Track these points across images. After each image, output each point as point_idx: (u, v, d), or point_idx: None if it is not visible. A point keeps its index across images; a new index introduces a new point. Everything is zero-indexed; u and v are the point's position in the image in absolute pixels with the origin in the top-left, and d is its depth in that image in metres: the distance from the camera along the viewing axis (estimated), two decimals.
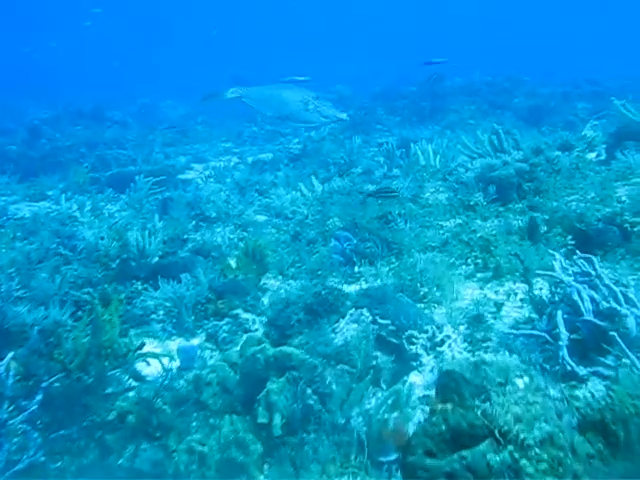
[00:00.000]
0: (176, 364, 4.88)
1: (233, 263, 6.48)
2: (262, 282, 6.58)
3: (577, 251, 4.79)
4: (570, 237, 5.95)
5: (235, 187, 11.49)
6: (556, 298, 4.56)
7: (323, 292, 4.67)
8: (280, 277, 6.87)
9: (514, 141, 8.90)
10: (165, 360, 4.74)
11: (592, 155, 9.88)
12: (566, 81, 22.53)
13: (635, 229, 5.68)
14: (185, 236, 8.16)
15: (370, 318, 4.39)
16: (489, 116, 17.74)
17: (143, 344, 4.66)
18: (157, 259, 6.83)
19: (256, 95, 7.04)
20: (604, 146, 10.30)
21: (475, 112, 18.62)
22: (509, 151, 9.08)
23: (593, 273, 4.41)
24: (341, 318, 4.55)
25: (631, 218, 5.75)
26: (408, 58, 31.99)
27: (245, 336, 4.93)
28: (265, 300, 6.14)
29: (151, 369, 4.87)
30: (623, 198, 6.98)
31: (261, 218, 9.70)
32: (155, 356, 4.69)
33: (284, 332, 4.52)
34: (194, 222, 9.61)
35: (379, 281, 6.09)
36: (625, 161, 8.13)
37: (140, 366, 4.84)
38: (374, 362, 3.94)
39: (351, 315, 4.48)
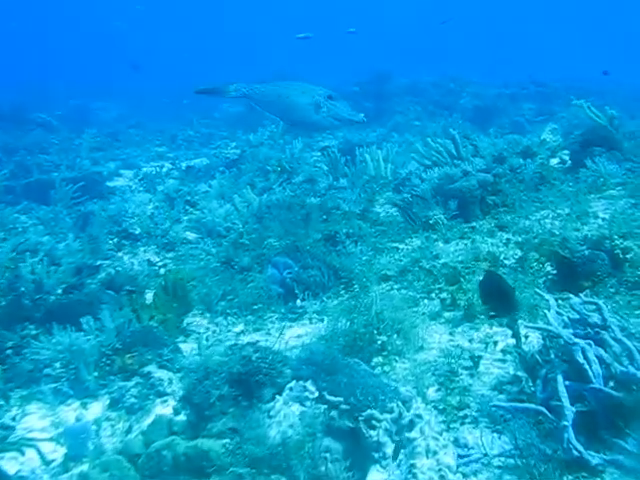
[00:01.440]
0: (62, 451, 3.72)
1: (149, 300, 5.36)
2: (185, 323, 5.48)
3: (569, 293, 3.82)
4: (551, 265, 5.03)
5: (165, 199, 10.29)
6: (551, 355, 3.59)
7: (254, 357, 3.58)
8: (208, 314, 5.76)
9: (473, 147, 7.98)
10: (48, 446, 3.58)
11: (554, 161, 9.07)
12: (512, 82, 21.95)
13: (628, 256, 4.78)
14: (99, 262, 6.99)
15: (316, 394, 3.34)
16: (435, 117, 16.95)
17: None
18: (58, 295, 5.64)
19: (262, 95, 6.38)
20: (566, 152, 9.52)
21: (421, 113, 17.81)
22: (468, 158, 8.17)
23: (600, 323, 3.47)
24: (278, 395, 3.49)
25: (621, 242, 4.84)
26: (349, 58, 31.22)
27: (153, 416, 3.79)
28: (187, 348, 5.04)
29: (26, 461, 3.68)
30: (600, 214, 6.12)
31: (191, 235, 8.56)
32: (29, 445, 3.52)
33: (202, 412, 3.42)
34: (116, 240, 8.42)
35: (325, 322, 5.06)
36: (596, 170, 7.29)
37: (9, 458, 3.66)
38: (323, 468, 2.85)
39: (291, 390, 3.42)
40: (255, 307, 5.74)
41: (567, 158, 8.95)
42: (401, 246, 6.38)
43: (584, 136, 8.27)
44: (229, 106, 20.42)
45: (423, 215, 6.83)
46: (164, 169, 13.37)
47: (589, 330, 3.47)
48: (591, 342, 3.37)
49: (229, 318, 5.66)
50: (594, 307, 3.59)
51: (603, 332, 3.42)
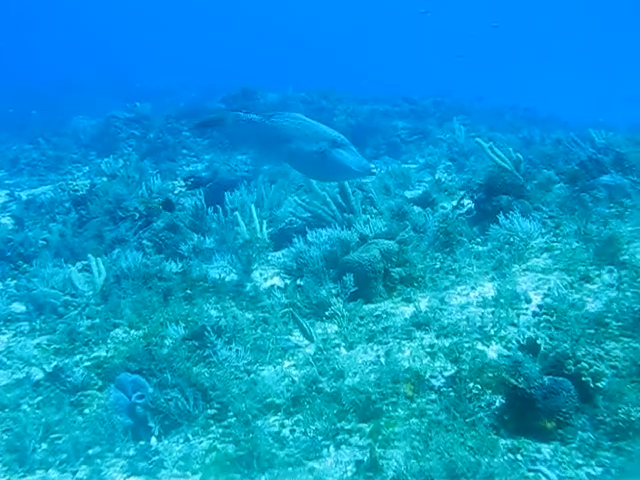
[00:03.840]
0: None
1: None
2: None
3: None
4: (499, 398, 3.74)
5: None
6: None
7: None
8: (20, 470, 4.03)
9: (369, 200, 6.68)
10: None
11: (451, 204, 7.98)
12: (381, 98, 21.16)
13: (600, 384, 3.57)
14: None
15: None
16: None
17: None
18: None
19: (260, 133, 5.85)
20: (462, 192, 8.47)
21: None
22: (358, 212, 6.86)
23: None
24: None
25: (588, 363, 3.63)
26: (213, 70, 29.48)
27: None
28: None
29: None
30: (533, 297, 4.97)
31: (19, 308, 6.72)
32: None
33: None
34: None
35: None
36: (510, 228, 6.18)
37: None
38: None
39: None
40: (91, 452, 4.08)
41: (466, 201, 7.89)
42: (289, 345, 4.91)
43: (489, 182, 7.19)
44: (82, 118, 18.11)
45: (314, 295, 5.41)
46: None
47: None
48: None
49: (51, 474, 3.97)
50: None
51: None
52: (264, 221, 6.40)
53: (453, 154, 12.28)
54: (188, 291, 6.06)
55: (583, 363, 3.59)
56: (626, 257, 5.31)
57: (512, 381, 3.55)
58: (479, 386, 3.86)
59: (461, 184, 8.62)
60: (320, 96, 19.56)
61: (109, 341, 5.36)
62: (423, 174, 10.96)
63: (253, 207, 6.51)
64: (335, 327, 5.03)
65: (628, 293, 4.69)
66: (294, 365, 4.56)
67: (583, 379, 3.56)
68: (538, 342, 4.07)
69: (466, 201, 7.95)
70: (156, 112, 17.71)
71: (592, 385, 3.55)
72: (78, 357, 5.14)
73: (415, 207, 7.15)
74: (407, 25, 51.46)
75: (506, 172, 7.14)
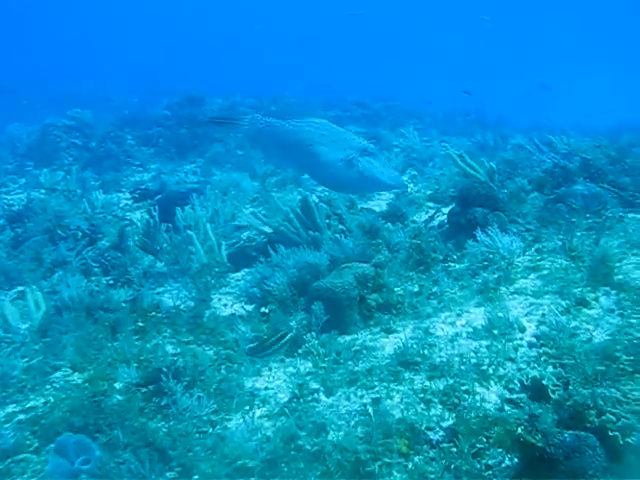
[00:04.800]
0: None
1: None
2: None
3: None
4: (510, 456, 3.23)
5: None
6: None
7: None
8: None
9: (336, 215, 6.13)
10: None
11: (423, 217, 7.51)
12: (332, 102, 20.69)
13: (630, 439, 3.09)
14: None
15: None
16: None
17: None
18: None
19: (280, 138, 5.38)
20: (431, 204, 8.02)
21: (243, 140, 15.77)
22: (324, 229, 6.31)
23: None
24: None
25: (614, 416, 3.15)
26: (156, 75, 28.47)
27: None
28: None
29: None
30: (527, 325, 4.49)
31: None
32: None
33: None
34: None
35: None
36: (490, 245, 5.71)
37: None
38: None
39: None
40: None
41: (433, 212, 7.44)
42: (260, 386, 4.33)
43: (462, 194, 6.73)
44: (18, 125, 17.09)
45: (283, 327, 4.84)
46: None
47: None
48: None
49: None
50: None
51: None
52: (223, 242, 5.80)
53: (411, 161, 11.85)
54: (139, 323, 5.41)
55: (609, 415, 3.10)
56: (620, 277, 4.89)
57: (529, 438, 3.04)
58: (484, 439, 3.34)
59: (428, 195, 8.15)
60: (270, 102, 18.98)
61: (48, 387, 4.67)
62: None
63: (210, 228, 5.90)
64: (309, 364, 4.45)
65: (633, 320, 4.26)
66: (266, 415, 3.96)
67: (610, 434, 3.07)
68: (544, 383, 3.59)
69: (433, 211, 7.50)
70: (98, 119, 16.81)
71: (621, 441, 3.06)
72: (10, 409, 4.43)
73: (384, 222, 6.62)
74: (350, 28, 51.19)
75: (480, 183, 6.69)
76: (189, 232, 6.19)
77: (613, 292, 4.70)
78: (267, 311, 5.27)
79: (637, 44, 42.59)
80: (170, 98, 18.20)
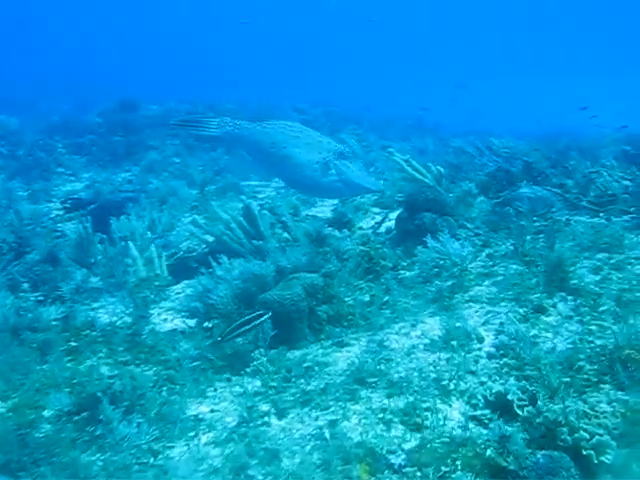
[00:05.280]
0: None
1: None
2: None
3: None
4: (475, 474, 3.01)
5: None
6: None
7: None
8: None
9: (281, 223, 5.86)
10: None
11: (370, 223, 7.31)
12: (269, 108, 20.45)
13: (605, 457, 2.90)
14: None
15: None
16: (197, 152, 14.71)
17: None
18: None
19: (252, 140, 5.09)
20: (377, 210, 7.83)
21: (180, 148, 15.36)
22: (268, 238, 6.03)
23: None
24: None
25: (587, 434, 2.96)
26: (88, 80, 27.59)
27: None
28: None
29: None
30: (485, 335, 4.32)
31: None
32: None
33: None
34: None
35: None
36: (440, 251, 5.53)
37: None
38: None
39: None
40: None
41: (380, 218, 7.26)
42: (205, 409, 4.01)
43: (410, 199, 6.56)
44: None
45: (229, 344, 4.53)
46: None
47: None
48: None
49: None
50: None
51: None
52: (164, 254, 5.44)
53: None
54: (72, 343, 5.01)
55: (582, 432, 2.92)
56: (575, 281, 4.77)
57: (500, 461, 2.83)
58: (450, 462, 3.12)
59: (374, 200, 7.96)
60: (206, 108, 18.57)
61: None
62: None
63: (147, 238, 5.54)
64: (258, 383, 4.16)
65: (592, 327, 4.13)
66: (213, 442, 3.64)
67: (584, 452, 2.88)
68: (509, 398, 3.40)
69: (379, 217, 7.31)
70: (25, 127, 16.09)
71: (595, 460, 2.87)
72: None
73: (330, 229, 6.39)
74: (286, 32, 51.11)
75: (428, 187, 6.53)
76: (125, 243, 5.80)
77: (570, 298, 4.57)
78: (211, 326, 4.95)
79: (569, 48, 43.79)
80: (103, 104, 17.64)
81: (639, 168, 7.73)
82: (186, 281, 6.16)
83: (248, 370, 4.25)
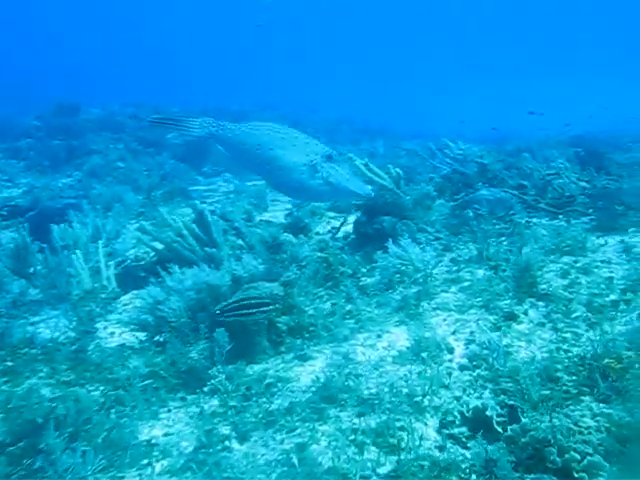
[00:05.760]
0: None
1: None
2: None
3: None
4: None
5: None
6: None
7: None
8: None
9: (235, 230, 5.55)
10: None
11: (327, 227, 7.06)
12: (214, 110, 20.10)
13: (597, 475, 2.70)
14: None
15: None
16: (141, 157, 14.28)
17: None
18: None
19: (235, 140, 4.82)
20: (332, 214, 7.59)
21: (124, 152, 14.88)
22: (221, 245, 5.72)
23: None
24: None
25: (575, 449, 2.76)
26: (27, 82, 26.67)
27: None
28: None
29: None
30: (455, 345, 4.11)
31: None
32: None
33: None
34: None
35: None
36: (402, 256, 5.32)
37: None
38: None
39: None
40: None
41: (337, 223, 7.01)
42: (158, 433, 3.67)
43: (368, 202, 6.34)
44: None
45: (182, 360, 4.21)
46: None
47: None
48: None
49: None
50: None
51: None
52: (111, 264, 5.07)
53: None
54: (8, 362, 4.60)
55: (572, 453, 2.71)
56: (544, 286, 4.61)
57: None
58: None
59: (329, 204, 7.71)
60: (150, 111, 18.07)
61: None
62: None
63: (92, 247, 5.16)
64: (216, 402, 3.85)
65: (567, 335, 3.95)
66: (168, 471, 3.31)
67: (575, 475, 2.67)
68: (488, 414, 3.18)
69: (337, 222, 7.07)
70: None
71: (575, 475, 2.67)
72: None
73: (286, 235, 6.10)
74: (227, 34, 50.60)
75: (387, 190, 6.31)
76: (72, 254, 5.41)
77: (540, 304, 4.40)
78: (162, 340, 4.62)
79: (508, 55, 44.53)
80: (41, 108, 16.99)
81: (596, 170, 7.68)
82: (134, 291, 5.80)
83: (205, 389, 3.94)
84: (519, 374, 3.41)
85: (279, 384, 3.92)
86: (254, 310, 4.18)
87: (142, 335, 4.74)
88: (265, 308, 4.22)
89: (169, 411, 3.88)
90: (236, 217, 5.97)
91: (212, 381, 3.90)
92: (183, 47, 49.22)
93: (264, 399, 3.76)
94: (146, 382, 4.13)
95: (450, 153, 9.72)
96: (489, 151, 9.45)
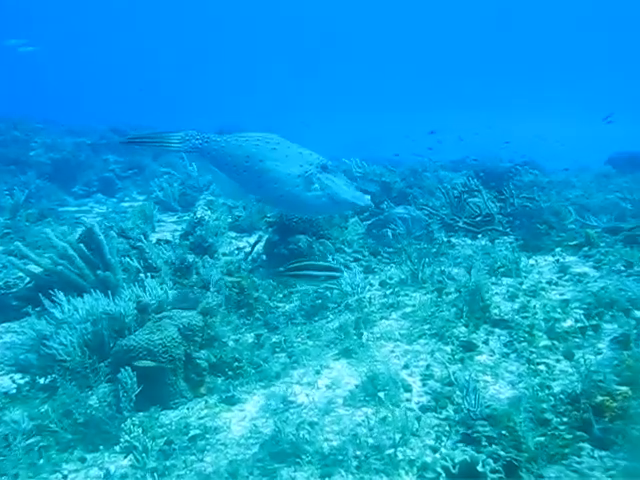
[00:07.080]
0: None
1: None
2: None
3: None
4: None
5: None
6: None
7: None
8: None
9: (136, 249, 4.73)
10: None
11: (232, 248, 6.35)
12: (84, 130, 18.90)
13: None
14: None
15: None
16: (2, 175, 13.03)
17: None
18: None
19: (222, 153, 4.24)
20: (233, 234, 6.89)
21: None
22: (115, 268, 4.87)
23: None
24: None
25: None
26: None
27: None
28: None
29: None
30: (412, 382, 3.54)
31: None
32: None
33: None
34: None
35: None
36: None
37: None
38: None
39: None
40: None
41: (241, 244, 6.33)
42: None
43: (282, 219, 5.71)
44: None
45: (80, 409, 3.35)
46: None
47: None
48: None
49: None
50: None
51: None
52: None
53: (186, 188, 10.65)
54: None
55: None
56: (496, 312, 4.14)
57: None
58: None
59: (229, 223, 6.98)
60: (10, 126, 16.63)
61: None
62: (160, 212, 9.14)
63: None
64: (125, 463, 3.04)
65: (541, 367, 3.47)
66: None
67: None
68: (479, 469, 2.61)
69: (239, 242, 6.37)
70: None
71: None
72: None
73: (192, 256, 5.33)
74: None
75: None
76: None
77: (498, 330, 3.92)
78: (49, 382, 3.73)
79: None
80: None
81: (497, 191, 7.45)
82: (5, 324, 4.84)
83: (111, 444, 3.12)
84: (500, 417, 2.86)
85: (207, 435, 3.16)
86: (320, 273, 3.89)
87: (23, 379, 3.82)
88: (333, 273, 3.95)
89: (64, 478, 3.02)
90: (134, 235, 5.13)
91: (120, 434, 3.09)
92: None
93: (192, 457, 2.99)
94: (31, 440, 3.24)
95: (349, 171, 9.32)
96: (389, 170, 9.13)
